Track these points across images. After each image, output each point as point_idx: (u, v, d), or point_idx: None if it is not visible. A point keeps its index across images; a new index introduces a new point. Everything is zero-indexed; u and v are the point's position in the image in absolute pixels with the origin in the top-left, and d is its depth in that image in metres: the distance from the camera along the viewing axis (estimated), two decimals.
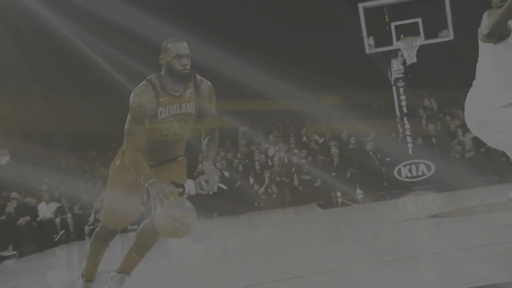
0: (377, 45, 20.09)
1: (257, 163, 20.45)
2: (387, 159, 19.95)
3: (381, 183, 19.63)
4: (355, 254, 8.45)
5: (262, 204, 19.21)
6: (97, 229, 6.08)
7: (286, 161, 20.44)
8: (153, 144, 5.68)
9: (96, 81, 22.07)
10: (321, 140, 22.05)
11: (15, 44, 25.24)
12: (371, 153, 20.20)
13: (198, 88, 5.76)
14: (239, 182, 19.64)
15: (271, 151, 21.37)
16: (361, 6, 20.11)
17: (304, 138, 22.69)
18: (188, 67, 5.59)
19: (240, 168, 20.31)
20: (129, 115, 5.55)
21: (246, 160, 20.89)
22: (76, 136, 23.88)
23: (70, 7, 25.00)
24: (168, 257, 11.42)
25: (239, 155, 21.42)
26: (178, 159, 6.01)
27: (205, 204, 17.48)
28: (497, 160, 16.69)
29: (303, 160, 20.35)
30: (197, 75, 5.78)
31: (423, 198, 16.66)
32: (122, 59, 20.90)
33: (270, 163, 20.50)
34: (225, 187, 19.19)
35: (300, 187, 19.53)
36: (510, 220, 6.38)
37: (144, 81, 5.65)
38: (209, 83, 5.85)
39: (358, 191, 19.47)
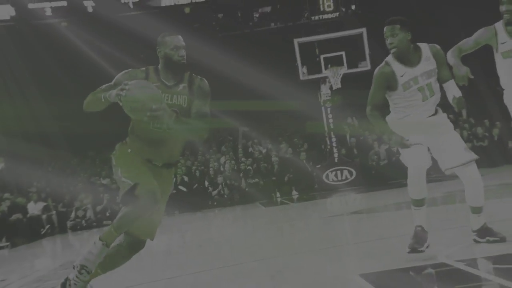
0: (309, 73, 20.27)
1: (211, 169, 20.40)
2: (317, 166, 20.10)
3: (312, 186, 19.73)
4: (290, 243, 8.50)
5: (215, 203, 19.17)
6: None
7: (235, 167, 20.44)
8: (149, 137, 4.98)
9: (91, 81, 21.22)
10: (264, 150, 22.10)
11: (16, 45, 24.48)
12: (304, 161, 20.32)
13: (192, 83, 5.07)
14: (196, 185, 19.62)
15: (222, 160, 21.35)
16: (296, 41, 20.28)
17: (250, 149, 22.71)
18: (185, 57, 5.03)
19: (197, 173, 20.25)
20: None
21: (202, 167, 20.83)
22: (60, 145, 23.37)
23: (70, 7, 24.51)
24: None
25: (196, 162, 21.30)
26: (175, 163, 5.28)
27: (168, 203, 17.34)
28: (405, 167, 16.89)
29: (249, 167, 20.40)
30: (193, 73, 5.13)
31: (346, 198, 16.78)
32: (121, 59, 20.16)
33: (222, 169, 20.47)
34: (184, 189, 19.16)
35: (247, 189, 19.53)
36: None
37: None
38: (204, 80, 5.14)
39: (294, 192, 19.54)
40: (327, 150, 20.65)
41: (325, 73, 19.93)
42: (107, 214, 18.21)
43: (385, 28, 5.68)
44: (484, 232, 5.75)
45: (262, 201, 18.36)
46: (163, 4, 26.18)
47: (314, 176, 19.94)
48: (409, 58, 5.69)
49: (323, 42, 20.49)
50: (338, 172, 19.72)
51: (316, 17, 22.00)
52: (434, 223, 5.84)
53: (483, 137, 19.70)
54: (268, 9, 28.13)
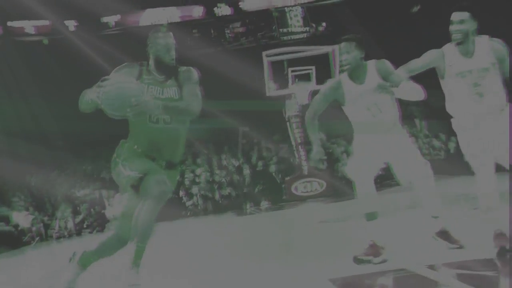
0: (277, 88, 20.12)
1: (186, 179, 20.32)
2: (286, 178, 20.05)
3: (281, 197, 19.73)
4: (259, 252, 8.52)
5: (188, 213, 19.14)
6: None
7: (210, 179, 20.40)
8: (148, 137, 4.92)
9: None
10: (236, 164, 22.10)
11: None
12: (273, 173, 20.36)
13: (179, 73, 5.04)
14: (172, 195, 19.50)
15: (198, 171, 21.28)
16: (265, 56, 20.09)
17: (224, 162, 22.69)
18: (174, 57, 5.00)
19: None
20: None
21: (179, 178, 20.67)
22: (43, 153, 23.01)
23: (71, 8, 24.19)
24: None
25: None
26: (178, 165, 5.27)
27: None
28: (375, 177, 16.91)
29: (222, 179, 20.40)
30: (180, 66, 5.09)
31: (315, 208, 16.83)
32: (121, 58, 19.80)
33: (197, 181, 20.41)
34: None
35: (220, 200, 19.54)
36: (382, 225, 6.61)
37: None
38: (191, 68, 5.12)
39: (264, 203, 19.51)
40: (296, 163, 20.62)
41: (291, 88, 19.81)
42: (85, 226, 18.15)
43: (341, 45, 5.80)
44: (442, 236, 5.88)
45: (234, 211, 18.39)
46: (141, 24, 26.27)
47: (283, 188, 19.91)
48: (358, 75, 5.80)
49: (292, 57, 20.29)
50: (308, 184, 19.70)
51: (286, 38, 21.91)
52: (395, 230, 5.96)
53: (440, 149, 19.83)
54: (239, 26, 28.25)
